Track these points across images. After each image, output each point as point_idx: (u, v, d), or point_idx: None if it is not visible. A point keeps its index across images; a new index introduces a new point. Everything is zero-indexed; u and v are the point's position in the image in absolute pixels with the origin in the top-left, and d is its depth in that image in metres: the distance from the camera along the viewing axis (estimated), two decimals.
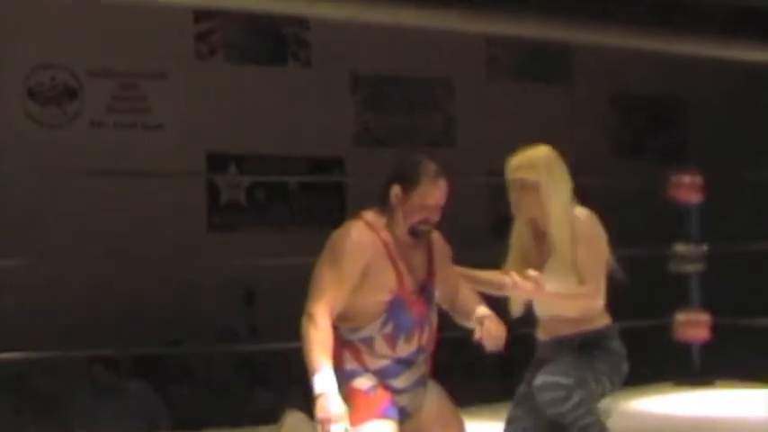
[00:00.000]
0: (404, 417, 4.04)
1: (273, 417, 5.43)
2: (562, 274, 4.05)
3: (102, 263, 8.72)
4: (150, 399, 7.52)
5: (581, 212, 4.11)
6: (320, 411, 3.72)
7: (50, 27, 9.32)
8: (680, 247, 7.77)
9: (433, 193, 3.94)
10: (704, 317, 7.69)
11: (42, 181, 8.59)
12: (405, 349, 3.97)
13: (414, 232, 3.96)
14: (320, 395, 3.72)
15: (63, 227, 8.93)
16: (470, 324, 4.03)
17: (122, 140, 9.56)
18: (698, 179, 7.81)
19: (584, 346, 4.07)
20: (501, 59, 11.47)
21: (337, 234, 3.96)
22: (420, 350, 4.01)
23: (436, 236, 4.11)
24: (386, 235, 3.95)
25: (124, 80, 9.70)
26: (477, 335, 3.95)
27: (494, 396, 6.61)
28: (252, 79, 10.15)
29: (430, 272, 4.03)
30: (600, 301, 4.09)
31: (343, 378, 3.90)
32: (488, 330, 3.92)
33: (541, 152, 4.14)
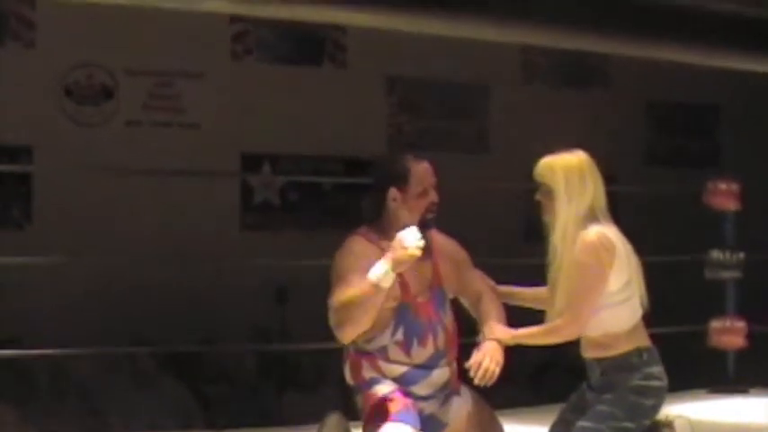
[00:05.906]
0: (438, 426, 4.02)
1: (303, 417, 5.43)
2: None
3: (135, 260, 8.76)
4: (184, 397, 7.54)
5: (590, 233, 3.78)
6: (392, 252, 3.77)
7: (88, 26, 9.36)
8: (716, 254, 7.72)
9: (426, 173, 4.02)
10: (740, 324, 7.64)
11: (77, 179, 8.62)
12: (421, 354, 3.95)
13: (424, 224, 3.99)
14: (386, 256, 3.78)
15: (97, 225, 8.96)
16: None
17: (158, 139, 9.59)
18: (734, 186, 7.75)
19: (606, 374, 3.80)
20: (536, 65, 11.44)
21: (338, 253, 4.01)
22: (438, 354, 3.99)
23: (440, 240, 4.11)
24: (383, 244, 3.93)
25: (160, 79, 9.74)
26: (468, 363, 3.86)
27: (525, 402, 6.60)
28: (287, 80, 10.16)
29: (436, 274, 4.02)
30: (576, 332, 3.80)
31: (363, 386, 3.93)
32: (478, 363, 3.82)
33: (565, 158, 3.90)
